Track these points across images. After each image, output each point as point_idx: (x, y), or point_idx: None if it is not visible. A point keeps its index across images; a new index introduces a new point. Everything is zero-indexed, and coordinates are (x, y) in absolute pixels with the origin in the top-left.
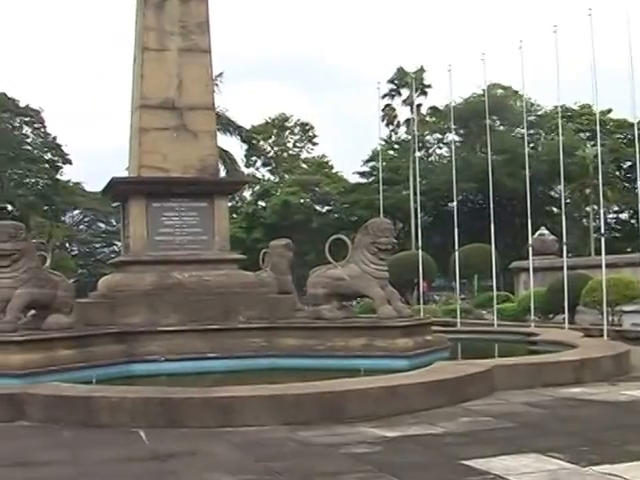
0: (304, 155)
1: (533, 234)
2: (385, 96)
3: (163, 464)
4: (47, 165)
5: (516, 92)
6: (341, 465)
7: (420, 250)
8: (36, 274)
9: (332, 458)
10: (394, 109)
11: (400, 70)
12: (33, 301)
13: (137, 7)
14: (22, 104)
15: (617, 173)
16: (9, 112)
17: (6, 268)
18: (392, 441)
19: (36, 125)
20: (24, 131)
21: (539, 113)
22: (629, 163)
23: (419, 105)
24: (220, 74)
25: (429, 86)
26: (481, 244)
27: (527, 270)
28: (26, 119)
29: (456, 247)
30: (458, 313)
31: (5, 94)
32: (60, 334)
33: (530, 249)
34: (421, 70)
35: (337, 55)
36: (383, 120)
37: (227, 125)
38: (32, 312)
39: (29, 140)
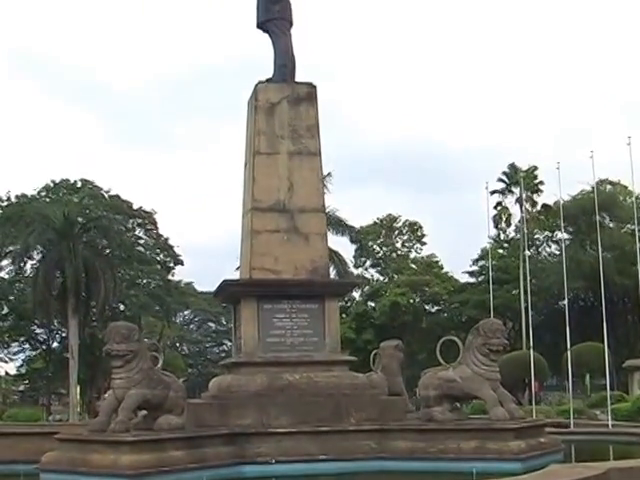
0: (413, 255)
1: None
2: (494, 192)
3: None
4: (159, 266)
5: (625, 187)
6: None
7: (531, 350)
8: (148, 375)
9: None
10: (506, 208)
11: (511, 167)
12: (145, 402)
13: (248, 112)
14: (135, 206)
15: None
16: (123, 214)
17: (120, 369)
18: None
19: (148, 227)
20: (137, 232)
21: None
22: None
23: (534, 203)
24: (328, 174)
25: (541, 183)
26: (593, 343)
27: None
28: (139, 221)
29: (568, 346)
30: (571, 414)
31: (119, 196)
32: (171, 435)
33: None
34: (533, 168)
35: (443, 154)
36: (495, 221)
37: (337, 225)
38: (143, 412)
39: (142, 241)
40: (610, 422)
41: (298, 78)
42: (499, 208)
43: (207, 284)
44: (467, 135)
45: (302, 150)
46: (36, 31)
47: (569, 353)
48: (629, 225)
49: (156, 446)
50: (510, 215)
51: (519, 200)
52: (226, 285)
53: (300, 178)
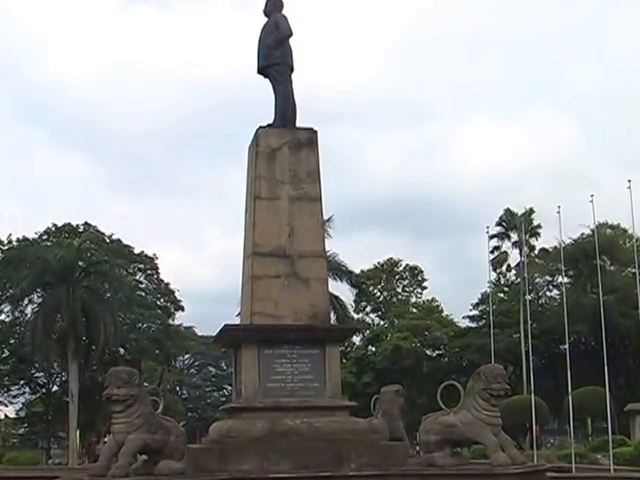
0: (413, 299)
1: None
2: (493, 237)
3: None
4: (159, 311)
5: (625, 231)
6: None
7: (532, 394)
8: (149, 420)
9: None
10: (505, 252)
11: (508, 212)
12: (145, 446)
13: (249, 157)
14: (137, 251)
15: None
16: (124, 259)
17: (120, 413)
18: None
19: (149, 272)
20: (138, 277)
21: None
22: None
23: (532, 247)
24: (329, 218)
25: (539, 227)
26: (595, 387)
27: None
28: (140, 266)
29: (569, 390)
30: (573, 458)
31: (121, 241)
32: None
33: None
34: (530, 211)
35: (443, 199)
36: (494, 266)
37: (337, 270)
38: (144, 457)
39: (143, 286)
40: (612, 466)
41: (299, 122)
42: (496, 253)
43: (207, 328)
44: (467, 179)
45: (303, 195)
46: (38, 78)
47: (570, 397)
48: (630, 268)
49: None
50: (507, 256)
51: (516, 244)
52: (227, 330)
53: (301, 223)
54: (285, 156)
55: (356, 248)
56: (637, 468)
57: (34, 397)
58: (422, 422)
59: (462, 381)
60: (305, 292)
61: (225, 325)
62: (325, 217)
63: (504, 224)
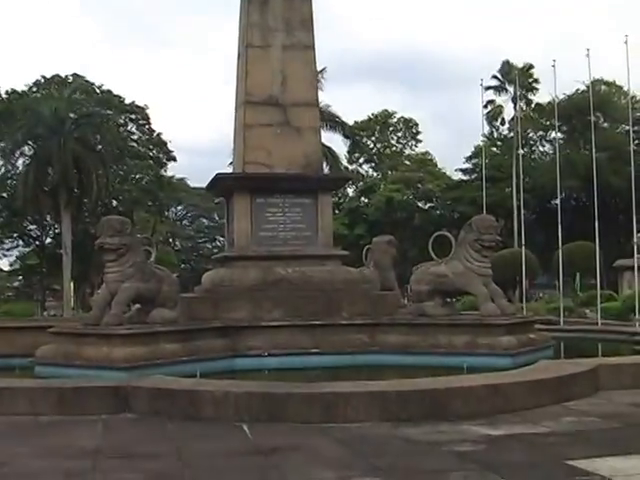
0: (407, 152)
1: (638, 232)
2: (489, 89)
3: (266, 458)
4: (152, 162)
5: (620, 87)
6: (445, 463)
7: (523, 248)
8: (141, 268)
9: (435, 456)
10: (500, 106)
11: (506, 64)
12: (138, 295)
13: (241, 4)
14: (127, 101)
15: None
16: (115, 109)
17: (113, 262)
18: (496, 440)
19: (141, 122)
20: (129, 128)
21: None
22: None
23: (528, 102)
24: (323, 69)
25: (536, 81)
26: (585, 242)
27: (631, 269)
28: (132, 116)
29: (559, 245)
30: (561, 311)
31: (111, 91)
32: (164, 328)
33: (635, 247)
34: (528, 66)
35: (440, 52)
36: (488, 119)
37: (330, 121)
38: (137, 306)
39: (134, 137)
40: (599, 320)
41: None
42: (490, 107)
43: (200, 181)
44: (464, 34)
45: (296, 43)
46: None
47: (560, 252)
48: (624, 125)
49: (149, 339)
50: (502, 109)
51: (513, 99)
52: (219, 179)
53: (293, 72)
54: (278, 3)
55: (350, 101)
56: (623, 322)
57: (28, 250)
58: (413, 272)
59: (454, 234)
60: (297, 141)
61: (217, 174)
62: (318, 68)
63: (500, 77)
